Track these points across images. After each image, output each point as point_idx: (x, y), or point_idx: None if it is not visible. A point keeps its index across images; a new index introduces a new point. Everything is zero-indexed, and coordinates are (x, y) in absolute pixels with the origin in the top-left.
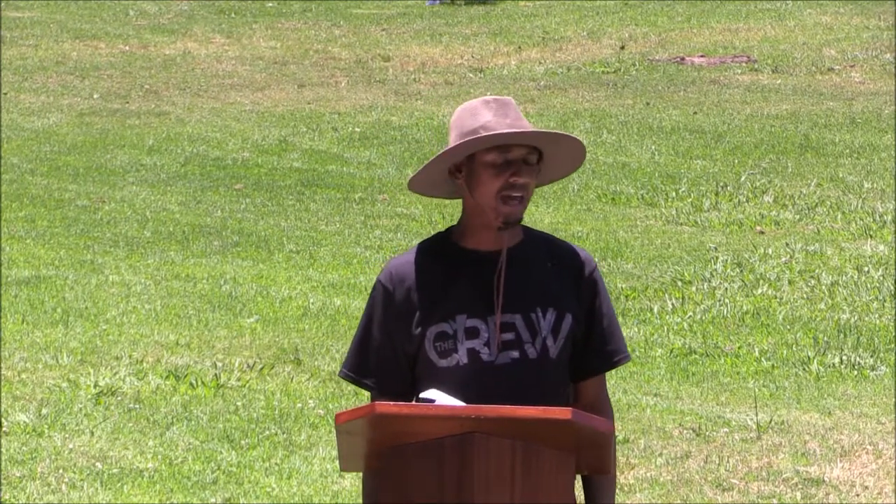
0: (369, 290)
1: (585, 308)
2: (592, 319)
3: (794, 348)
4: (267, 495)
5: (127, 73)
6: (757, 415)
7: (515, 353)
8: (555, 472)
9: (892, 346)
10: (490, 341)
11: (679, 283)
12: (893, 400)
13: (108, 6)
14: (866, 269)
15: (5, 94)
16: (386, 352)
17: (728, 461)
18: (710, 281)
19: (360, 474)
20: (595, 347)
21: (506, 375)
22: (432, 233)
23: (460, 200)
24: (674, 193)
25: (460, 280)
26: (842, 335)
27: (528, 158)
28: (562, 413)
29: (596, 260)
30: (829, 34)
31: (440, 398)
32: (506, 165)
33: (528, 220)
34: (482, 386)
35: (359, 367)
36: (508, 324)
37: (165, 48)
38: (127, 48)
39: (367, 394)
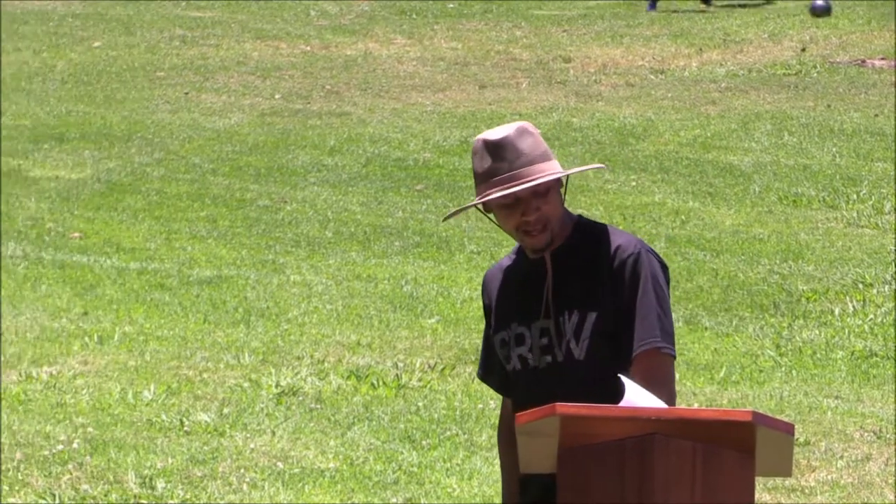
0: None
1: (620, 298)
2: (624, 308)
3: None
4: (448, 496)
5: (308, 74)
6: None
7: (549, 358)
8: (735, 473)
9: None
10: (533, 347)
11: (860, 286)
12: None
13: (289, 6)
14: None
15: (187, 93)
16: (492, 354)
17: None
18: (891, 283)
19: None
20: (626, 335)
21: (546, 379)
22: None
23: None
24: (855, 196)
25: (516, 288)
26: None
27: (539, 190)
28: (742, 415)
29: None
30: None
31: (630, 387)
32: (516, 205)
33: (706, 219)
34: (531, 390)
35: (483, 368)
36: (544, 329)
37: (347, 49)
38: (308, 48)
39: None
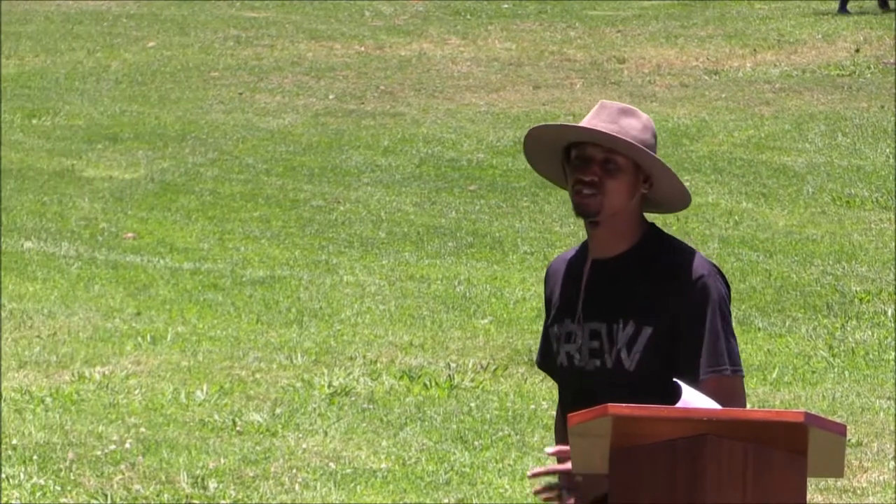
0: None
1: (684, 320)
2: (683, 334)
3: None
4: (500, 496)
5: (362, 74)
6: None
7: (598, 362)
8: (786, 474)
9: None
10: (582, 347)
11: None
12: None
13: (343, 7)
14: None
15: (241, 94)
16: (550, 344)
17: None
18: None
19: None
20: (686, 360)
21: (591, 381)
22: None
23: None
24: None
25: (574, 284)
26: None
27: (612, 160)
28: (794, 416)
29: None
30: None
31: (686, 390)
32: (581, 161)
33: (759, 219)
34: (575, 389)
35: (541, 356)
36: (595, 332)
37: (401, 49)
38: (362, 49)
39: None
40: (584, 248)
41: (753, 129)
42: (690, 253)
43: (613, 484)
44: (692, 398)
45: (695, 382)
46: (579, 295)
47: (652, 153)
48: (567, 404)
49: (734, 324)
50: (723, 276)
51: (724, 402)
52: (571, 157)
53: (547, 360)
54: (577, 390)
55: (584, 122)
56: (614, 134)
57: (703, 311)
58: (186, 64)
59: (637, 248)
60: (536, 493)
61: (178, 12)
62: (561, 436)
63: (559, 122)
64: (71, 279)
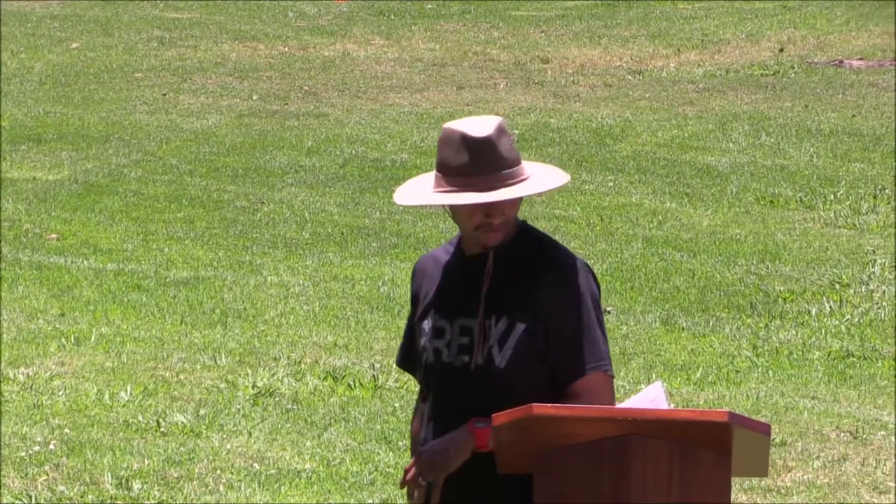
0: None
1: (557, 316)
2: (563, 327)
3: None
4: None
5: (286, 75)
6: None
7: (466, 358)
8: (711, 473)
9: None
10: (451, 343)
11: (837, 286)
12: None
13: (267, 7)
14: None
15: (164, 94)
16: (414, 342)
17: (885, 464)
18: (868, 284)
19: None
20: (562, 357)
21: (460, 378)
22: (591, 235)
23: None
24: (832, 196)
25: (447, 281)
26: None
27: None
28: (718, 415)
29: (592, 266)
30: None
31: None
32: (485, 207)
33: (683, 219)
34: (442, 385)
35: (403, 356)
36: (466, 328)
37: (324, 49)
38: (286, 49)
39: None
40: (457, 247)
41: (677, 128)
42: (562, 250)
43: (538, 484)
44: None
45: (576, 378)
46: (452, 291)
47: (550, 188)
48: (430, 403)
49: (658, 323)
50: (594, 274)
51: (603, 399)
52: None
53: (409, 359)
54: (441, 387)
55: (481, 177)
56: (516, 190)
57: (579, 307)
58: (110, 65)
59: (510, 245)
60: (402, 485)
61: (102, 13)
62: (419, 439)
63: (465, 200)
64: None
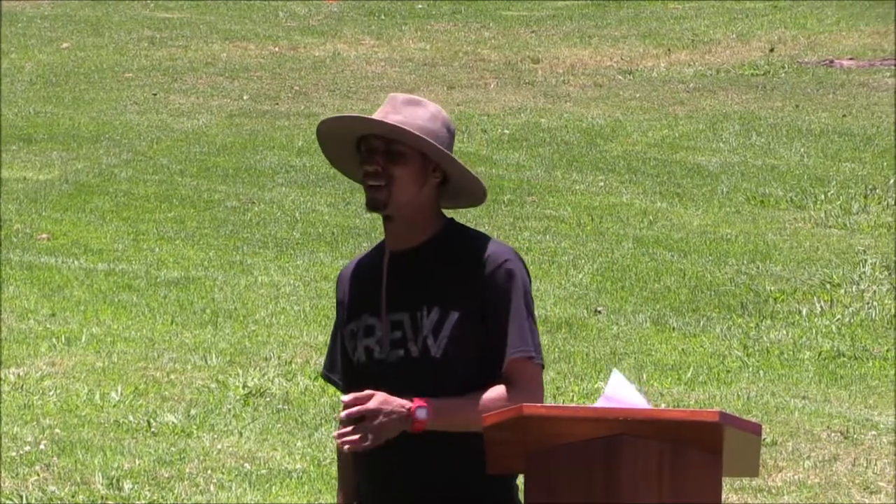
0: None
1: (489, 304)
2: (494, 313)
3: None
4: None
5: (276, 75)
6: None
7: (401, 352)
8: (702, 473)
9: None
10: (382, 339)
11: (828, 286)
12: None
13: (257, 7)
14: None
15: (155, 94)
16: (341, 349)
17: (876, 464)
18: (858, 284)
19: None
20: (497, 341)
21: (395, 373)
22: (581, 235)
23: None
24: (823, 196)
25: (372, 280)
26: None
27: (392, 148)
28: (709, 415)
29: (517, 258)
30: None
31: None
32: (366, 153)
33: (673, 219)
34: (377, 382)
35: (328, 366)
36: (398, 322)
37: (315, 49)
38: (277, 49)
39: None
40: (379, 247)
41: (667, 128)
42: (493, 240)
43: (529, 485)
44: (617, 389)
45: (503, 363)
46: (379, 288)
47: (426, 138)
48: None
49: (648, 323)
50: (525, 266)
51: (525, 387)
52: (361, 151)
53: (334, 368)
54: (377, 385)
55: (371, 116)
56: (395, 123)
57: (508, 294)
58: (100, 65)
59: (437, 239)
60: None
61: (93, 13)
62: (346, 460)
63: (344, 114)
64: None
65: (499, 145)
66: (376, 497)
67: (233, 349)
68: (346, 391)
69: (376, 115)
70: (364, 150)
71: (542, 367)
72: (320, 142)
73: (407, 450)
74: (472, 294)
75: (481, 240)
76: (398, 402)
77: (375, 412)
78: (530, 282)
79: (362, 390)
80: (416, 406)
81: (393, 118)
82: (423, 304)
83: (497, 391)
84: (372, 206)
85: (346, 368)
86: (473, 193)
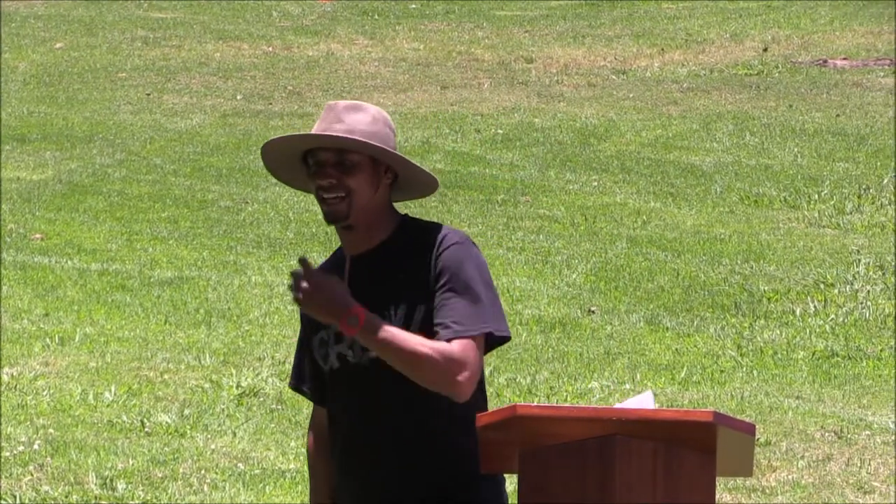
0: (506, 292)
1: (436, 286)
2: (436, 294)
3: None
4: None
5: (270, 75)
6: None
7: (374, 353)
8: (696, 473)
9: None
10: (354, 344)
11: (821, 286)
12: None
13: (251, 7)
14: None
15: (148, 94)
16: (309, 359)
17: (870, 464)
18: (852, 284)
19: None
20: (436, 319)
21: (371, 375)
22: (575, 235)
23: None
24: (816, 196)
25: None
26: None
27: (344, 159)
28: (703, 415)
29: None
30: None
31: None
32: (316, 167)
33: (667, 219)
34: (354, 386)
35: (296, 377)
36: None
37: (308, 49)
38: (270, 49)
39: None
40: (337, 254)
41: (661, 128)
42: (445, 227)
43: (523, 485)
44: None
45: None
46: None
47: (375, 143)
48: (340, 408)
49: (642, 322)
50: (475, 246)
51: (464, 356)
52: (309, 166)
53: (303, 379)
54: (352, 388)
55: (314, 129)
56: (340, 133)
57: (451, 277)
58: (94, 65)
59: (394, 237)
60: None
61: (86, 13)
62: (316, 459)
63: (287, 135)
64: None
65: (492, 145)
66: (357, 499)
67: (226, 349)
68: (318, 401)
69: (318, 128)
70: (313, 163)
71: (508, 338)
72: (266, 165)
73: (389, 453)
74: (430, 281)
75: (434, 228)
76: (344, 301)
77: (323, 290)
78: (485, 262)
79: (337, 398)
80: (353, 312)
81: (337, 128)
82: (390, 303)
83: (439, 343)
84: (332, 219)
85: (314, 378)
86: (425, 183)
